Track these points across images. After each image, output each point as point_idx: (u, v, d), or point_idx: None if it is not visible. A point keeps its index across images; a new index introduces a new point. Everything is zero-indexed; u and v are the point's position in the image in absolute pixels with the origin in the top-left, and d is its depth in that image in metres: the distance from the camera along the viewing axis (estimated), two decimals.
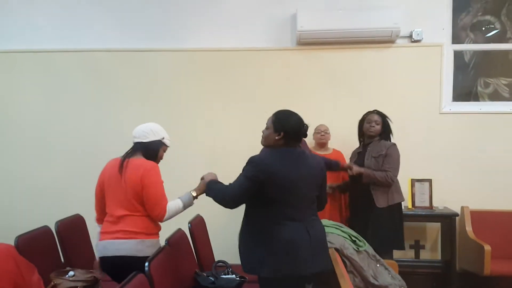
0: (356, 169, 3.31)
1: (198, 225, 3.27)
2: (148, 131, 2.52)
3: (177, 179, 2.78)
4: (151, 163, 2.48)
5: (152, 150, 2.52)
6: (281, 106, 2.93)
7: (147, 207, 2.41)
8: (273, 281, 2.21)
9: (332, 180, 3.51)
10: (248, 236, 2.34)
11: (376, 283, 2.64)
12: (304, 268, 2.21)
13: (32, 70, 4.33)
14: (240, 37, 4.18)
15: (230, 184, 2.31)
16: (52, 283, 2.61)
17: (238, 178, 2.28)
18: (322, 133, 3.73)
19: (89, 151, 4.24)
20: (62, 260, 3.01)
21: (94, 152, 4.20)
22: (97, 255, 2.54)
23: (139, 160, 2.48)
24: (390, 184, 3.29)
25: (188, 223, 3.13)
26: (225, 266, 2.97)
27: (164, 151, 2.61)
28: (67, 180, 4.25)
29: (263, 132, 2.39)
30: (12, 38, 4.31)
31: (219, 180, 2.52)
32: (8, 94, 4.34)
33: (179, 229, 2.97)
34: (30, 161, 4.32)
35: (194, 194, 2.51)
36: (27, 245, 2.69)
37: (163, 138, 2.56)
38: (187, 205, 2.49)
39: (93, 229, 2.95)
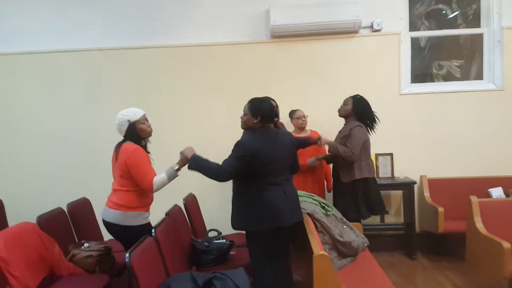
0: (323, 140, 3.66)
1: (191, 201, 3.77)
2: (119, 125, 2.93)
3: (167, 162, 3.20)
4: (133, 147, 2.87)
5: (132, 135, 2.91)
6: (259, 94, 3.41)
7: (137, 182, 2.85)
8: (262, 235, 2.73)
9: (317, 154, 4.00)
10: (238, 201, 2.84)
11: (341, 239, 3.18)
12: (285, 220, 2.73)
13: (31, 70, 4.69)
14: (219, 32, 4.60)
15: (223, 162, 2.74)
16: (71, 253, 3.10)
17: (229, 158, 2.73)
18: (303, 118, 4.13)
19: (86, 142, 4.66)
20: (75, 235, 3.48)
21: (91, 143, 4.63)
22: None
23: (124, 145, 2.90)
24: (351, 160, 3.62)
25: (183, 199, 3.64)
26: (216, 234, 3.47)
27: (143, 123, 2.92)
28: (68, 169, 4.68)
29: (241, 118, 2.86)
30: (11, 41, 4.66)
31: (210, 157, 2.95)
32: (10, 93, 4.71)
33: (176, 205, 3.46)
34: (34, 154, 4.72)
35: (176, 167, 2.86)
36: (46, 223, 3.14)
37: (129, 120, 2.90)
38: (171, 177, 2.87)
39: (98, 209, 3.42)
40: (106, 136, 4.29)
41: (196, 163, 2.76)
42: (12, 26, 4.67)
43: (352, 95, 3.84)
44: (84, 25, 4.64)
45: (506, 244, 2.99)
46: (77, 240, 3.43)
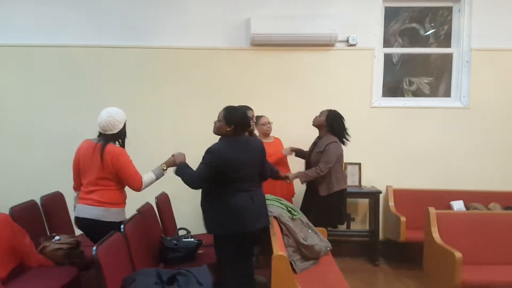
0: (291, 177, 3.84)
1: (163, 199, 3.88)
2: (116, 123, 2.97)
3: (146, 160, 3.27)
4: (118, 149, 2.98)
5: (122, 136, 3.05)
6: (237, 99, 3.56)
7: (125, 183, 2.97)
8: (227, 239, 2.87)
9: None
10: (208, 205, 2.95)
11: (305, 243, 3.33)
12: (251, 225, 2.86)
13: (12, 64, 4.72)
14: (201, 37, 4.72)
15: (194, 170, 2.88)
16: (42, 245, 3.18)
17: (199, 165, 2.86)
18: (268, 125, 4.23)
19: (63, 138, 4.64)
20: (47, 228, 3.55)
21: (68, 137, 4.60)
22: (74, 214, 3.09)
23: (110, 147, 2.95)
24: (322, 175, 3.80)
25: (155, 198, 3.75)
26: (186, 233, 3.58)
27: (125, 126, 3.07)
28: (45, 162, 4.72)
29: (215, 123, 2.97)
30: None
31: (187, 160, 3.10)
32: None
33: (147, 203, 3.57)
34: (13, 147, 4.75)
35: (165, 167, 3.08)
36: (19, 215, 3.21)
37: (125, 120, 3.04)
38: (159, 176, 3.07)
39: (70, 203, 3.50)
40: (83, 132, 4.37)
41: (182, 170, 2.93)
42: None
43: (329, 108, 4.03)
44: (67, 21, 4.70)
45: (458, 254, 3.18)
46: (48, 233, 3.50)
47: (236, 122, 2.88)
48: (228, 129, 2.89)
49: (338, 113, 3.98)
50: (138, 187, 2.98)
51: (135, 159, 3.13)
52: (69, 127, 4.69)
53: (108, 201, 2.95)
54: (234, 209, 2.82)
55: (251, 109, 3.79)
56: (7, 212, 3.14)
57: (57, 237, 3.24)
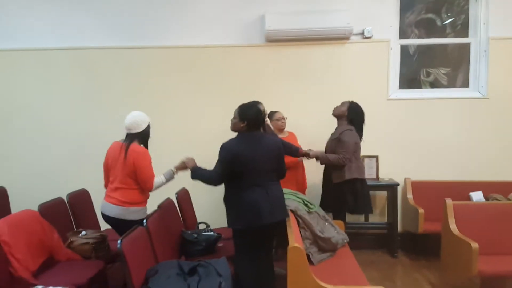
0: (313, 154, 3.90)
1: (183, 195, 4.00)
2: (140, 122, 3.21)
3: (163, 158, 3.36)
4: (142, 149, 3.18)
5: (146, 135, 3.26)
6: (252, 96, 3.61)
7: (140, 182, 3.15)
8: (243, 232, 2.97)
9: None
10: (227, 201, 3.07)
11: (321, 235, 3.39)
12: (266, 218, 2.93)
13: (31, 67, 4.88)
14: (215, 35, 4.79)
15: (213, 168, 2.99)
16: (70, 240, 3.34)
17: (216, 163, 2.98)
18: (282, 120, 4.28)
19: (84, 137, 4.85)
20: (74, 224, 3.72)
21: (89, 138, 4.83)
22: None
23: (134, 146, 3.16)
24: (343, 165, 3.83)
25: (175, 193, 3.87)
26: (205, 226, 3.70)
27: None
28: (67, 162, 4.89)
29: (231, 120, 3.08)
30: (12, 38, 4.85)
31: (197, 162, 3.21)
32: (11, 88, 4.90)
33: (168, 198, 3.69)
34: (35, 147, 4.92)
35: (175, 171, 3.25)
36: (47, 211, 3.38)
37: (149, 122, 3.28)
38: (169, 179, 3.24)
39: (96, 199, 3.65)
40: (103, 131, 4.56)
41: (197, 173, 3.08)
42: (11, 23, 4.84)
43: (349, 99, 4.03)
44: (81, 24, 4.83)
45: (474, 244, 3.20)
46: (75, 228, 3.67)
47: (249, 119, 2.97)
48: (242, 126, 2.99)
49: (359, 106, 3.99)
50: (149, 189, 3.19)
51: (153, 156, 3.26)
52: (90, 126, 4.86)
53: (128, 200, 3.14)
54: (247, 203, 2.91)
55: (260, 103, 3.82)
56: (35, 209, 3.31)
57: (83, 232, 3.40)
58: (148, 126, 3.27)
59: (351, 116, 3.95)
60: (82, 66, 4.89)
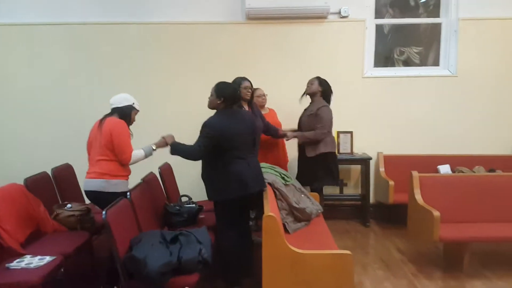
0: (290, 134, 4.12)
1: (166, 169, 4.15)
2: (122, 99, 3.30)
3: (148, 134, 3.50)
4: (119, 120, 3.24)
5: (125, 112, 3.29)
6: (234, 72, 3.73)
7: (116, 153, 3.18)
8: (226, 202, 3.15)
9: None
10: (208, 175, 3.22)
11: (297, 206, 3.60)
12: (249, 188, 3.12)
13: (17, 41, 4.91)
14: (198, 12, 4.87)
15: (194, 143, 3.11)
16: (55, 213, 3.47)
17: (198, 138, 3.10)
18: (263, 97, 4.43)
19: (71, 113, 4.93)
20: (59, 197, 3.84)
21: (75, 113, 4.91)
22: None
23: (112, 118, 3.25)
24: (320, 140, 4.05)
25: (158, 168, 4.02)
26: (188, 199, 3.87)
27: (135, 114, 3.37)
28: (54, 136, 4.98)
29: (208, 98, 3.22)
30: None
31: (176, 139, 3.31)
32: None
33: (151, 172, 3.84)
34: (22, 122, 5.00)
35: (154, 147, 3.31)
36: (33, 185, 3.51)
37: (133, 104, 3.34)
38: (147, 154, 3.29)
39: (80, 174, 3.76)
40: (89, 107, 4.64)
41: (176, 149, 3.18)
42: None
43: (317, 76, 4.22)
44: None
45: (436, 213, 3.46)
46: (60, 201, 3.80)
47: (226, 96, 3.11)
48: (218, 102, 3.13)
49: (326, 80, 4.20)
50: (126, 159, 3.19)
51: (137, 132, 3.38)
52: (75, 104, 4.93)
53: (108, 172, 3.18)
54: (232, 174, 3.09)
55: (247, 79, 3.97)
56: (21, 183, 3.42)
57: (69, 205, 3.52)
58: (130, 107, 3.29)
59: (324, 89, 4.16)
60: (69, 41, 4.93)
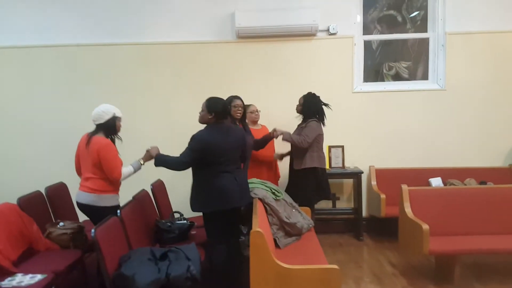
0: (278, 131, 4.15)
1: (158, 186, 4.20)
2: (101, 113, 3.31)
3: (137, 150, 3.52)
4: (105, 141, 3.29)
5: (110, 125, 3.33)
6: (225, 90, 3.78)
7: (106, 173, 3.25)
8: (213, 215, 3.21)
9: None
10: (195, 186, 3.28)
11: (287, 221, 3.64)
12: (235, 202, 3.20)
13: (10, 63, 5.03)
14: (188, 32, 4.98)
15: (180, 154, 3.17)
16: (48, 231, 3.51)
17: (185, 150, 3.17)
18: (256, 113, 4.50)
19: (63, 132, 4.98)
20: (52, 216, 3.88)
21: (67, 132, 4.93)
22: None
23: (98, 138, 3.29)
24: (304, 146, 4.07)
25: (150, 185, 4.07)
26: (179, 215, 3.91)
27: (120, 121, 3.38)
28: (49, 156, 5.06)
29: (199, 113, 3.29)
30: None
31: (161, 151, 3.38)
32: None
33: (143, 189, 3.89)
34: (15, 142, 5.09)
35: (142, 162, 3.38)
36: (26, 204, 3.54)
37: (114, 114, 3.35)
38: (136, 169, 3.35)
39: (73, 192, 3.81)
40: (81, 126, 4.66)
41: (160, 160, 3.24)
42: None
43: (306, 93, 4.28)
44: (60, 21, 4.98)
45: (425, 226, 3.49)
46: (54, 220, 3.83)
47: (216, 111, 3.19)
48: (209, 117, 3.21)
49: (313, 94, 4.25)
50: (116, 178, 3.25)
51: (128, 150, 3.45)
52: (69, 123, 4.99)
53: (99, 188, 3.27)
54: (216, 188, 3.15)
55: (239, 98, 4.06)
56: (15, 202, 3.47)
57: (61, 223, 3.56)
58: (113, 118, 3.32)
59: (307, 107, 4.21)
60: (61, 62, 5.04)
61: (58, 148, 5.01)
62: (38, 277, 2.85)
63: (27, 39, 4.99)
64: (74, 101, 5.04)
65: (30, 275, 2.88)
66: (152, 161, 3.33)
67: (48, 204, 3.89)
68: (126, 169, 3.30)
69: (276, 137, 4.23)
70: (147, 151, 3.36)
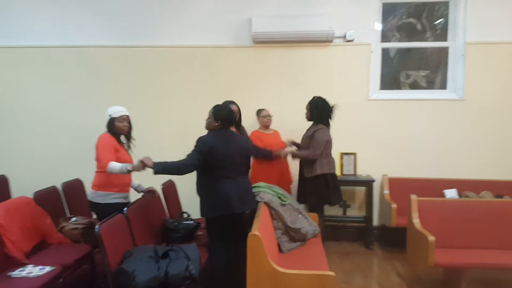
0: (283, 153, 4.25)
1: (169, 186, 4.30)
2: (107, 115, 3.50)
3: (154, 150, 3.73)
4: (103, 133, 3.47)
5: (109, 126, 3.50)
6: (239, 95, 3.82)
7: (96, 160, 3.40)
8: (215, 220, 3.27)
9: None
10: (199, 191, 3.37)
11: (292, 226, 3.67)
12: (236, 208, 3.24)
13: (33, 63, 5.23)
14: (205, 36, 5.07)
15: (187, 156, 3.23)
16: (60, 225, 3.66)
17: (191, 152, 3.24)
18: (268, 117, 4.59)
19: (82, 130, 5.12)
20: (68, 210, 4.04)
21: (86, 130, 5.06)
22: None
23: (101, 134, 3.48)
24: (313, 159, 4.14)
25: (161, 184, 4.17)
26: (187, 216, 3.99)
27: (120, 122, 3.46)
28: (66, 152, 5.24)
29: (206, 120, 3.37)
30: (16, 36, 5.20)
31: (177, 153, 3.47)
32: (15, 83, 5.25)
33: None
34: (37, 139, 5.29)
35: (130, 167, 3.25)
36: (41, 198, 3.71)
37: (110, 115, 3.48)
38: (123, 170, 3.24)
39: (89, 189, 3.96)
40: (99, 125, 4.84)
41: (159, 167, 3.16)
42: (15, 21, 5.19)
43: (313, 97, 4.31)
44: (83, 23, 5.16)
45: (431, 238, 3.44)
46: (68, 215, 3.99)
47: (222, 118, 3.26)
48: (216, 124, 3.28)
49: (317, 98, 4.27)
50: (103, 166, 3.29)
51: (145, 150, 3.51)
52: (87, 121, 5.13)
53: (96, 183, 3.43)
54: (219, 193, 3.21)
55: (234, 103, 4.09)
56: (31, 196, 3.63)
57: (74, 218, 3.71)
58: (110, 120, 3.47)
59: (313, 113, 4.23)
60: (81, 63, 5.21)
61: (76, 146, 5.18)
62: (47, 269, 2.99)
63: (49, 40, 5.19)
64: (93, 101, 5.19)
65: (40, 267, 3.02)
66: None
67: (63, 199, 4.04)
68: (114, 165, 3.25)
69: (284, 158, 4.33)
70: (140, 161, 3.21)
